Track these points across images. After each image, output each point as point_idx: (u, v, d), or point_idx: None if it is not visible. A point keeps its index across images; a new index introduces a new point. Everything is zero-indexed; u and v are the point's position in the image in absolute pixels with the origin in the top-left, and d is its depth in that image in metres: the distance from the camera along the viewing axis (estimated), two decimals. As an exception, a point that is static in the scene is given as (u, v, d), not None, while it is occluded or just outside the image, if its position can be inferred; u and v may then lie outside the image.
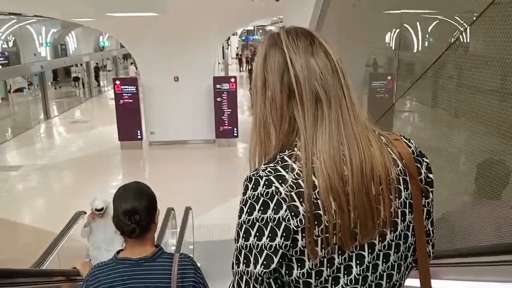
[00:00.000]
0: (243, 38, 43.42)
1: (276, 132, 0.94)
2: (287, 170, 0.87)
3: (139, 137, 12.37)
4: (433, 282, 1.04)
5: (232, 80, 12.18)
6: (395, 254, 0.94)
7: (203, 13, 10.71)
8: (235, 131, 12.32)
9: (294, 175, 0.86)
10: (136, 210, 1.58)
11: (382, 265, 0.93)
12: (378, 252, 0.92)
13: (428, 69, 3.02)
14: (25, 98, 17.64)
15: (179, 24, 11.17)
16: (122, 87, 12.09)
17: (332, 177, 0.85)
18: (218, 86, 12.00)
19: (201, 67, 12.09)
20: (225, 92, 12.05)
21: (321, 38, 0.95)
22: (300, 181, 0.86)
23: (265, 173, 0.87)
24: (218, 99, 12.07)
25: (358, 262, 0.90)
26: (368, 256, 0.90)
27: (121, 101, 12.13)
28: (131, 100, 12.10)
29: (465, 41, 2.62)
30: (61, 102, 21.16)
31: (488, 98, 2.26)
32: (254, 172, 0.89)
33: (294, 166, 0.87)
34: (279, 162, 0.89)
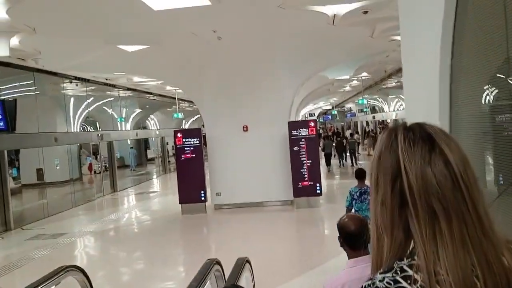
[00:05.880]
0: (321, 120, 43.38)
1: (388, 239, 0.86)
2: (408, 281, 0.80)
3: (203, 198, 10.38)
4: None
5: (312, 124, 10.04)
6: None
7: (273, 50, 9.11)
8: (318, 188, 9.86)
9: (417, 286, 0.79)
10: None
11: None
12: None
13: None
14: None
15: (246, 61, 9.61)
16: (184, 140, 10.46)
17: None
18: (294, 132, 9.89)
19: (274, 111, 10.18)
20: (303, 140, 9.87)
21: (443, 143, 0.85)
22: None
23: (383, 284, 0.81)
24: (295, 148, 9.88)
25: None
26: None
27: (182, 156, 10.44)
28: (193, 155, 10.36)
29: None
30: (133, 178, 20.40)
31: None
32: (370, 282, 0.83)
33: (416, 276, 0.79)
34: (398, 272, 0.82)
